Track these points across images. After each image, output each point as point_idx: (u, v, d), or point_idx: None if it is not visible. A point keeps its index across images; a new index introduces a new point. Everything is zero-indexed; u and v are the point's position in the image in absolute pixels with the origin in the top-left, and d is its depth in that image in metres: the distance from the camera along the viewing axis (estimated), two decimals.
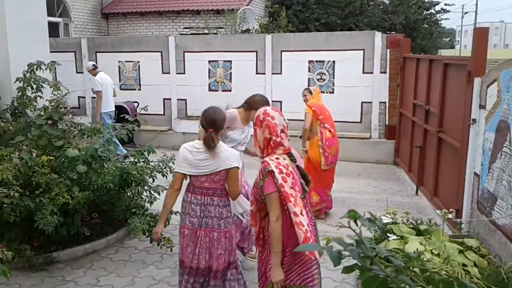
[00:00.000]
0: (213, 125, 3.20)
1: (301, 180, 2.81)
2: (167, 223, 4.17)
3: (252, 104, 4.20)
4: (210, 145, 3.15)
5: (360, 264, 0.98)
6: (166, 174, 4.87)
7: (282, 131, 2.77)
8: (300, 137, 5.78)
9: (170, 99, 9.93)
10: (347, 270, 1.00)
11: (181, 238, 3.33)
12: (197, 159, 3.17)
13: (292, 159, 2.81)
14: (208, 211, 3.23)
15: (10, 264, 3.76)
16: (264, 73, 9.20)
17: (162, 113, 9.95)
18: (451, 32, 57.31)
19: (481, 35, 4.72)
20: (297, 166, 2.82)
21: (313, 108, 5.72)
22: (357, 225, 1.01)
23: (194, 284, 3.30)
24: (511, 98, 3.76)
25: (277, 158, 2.70)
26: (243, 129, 4.28)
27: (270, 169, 2.64)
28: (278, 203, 2.64)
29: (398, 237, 3.91)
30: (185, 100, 9.84)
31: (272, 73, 9.15)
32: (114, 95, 8.63)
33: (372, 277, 0.93)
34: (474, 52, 4.69)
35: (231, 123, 4.16)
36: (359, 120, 8.82)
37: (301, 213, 2.60)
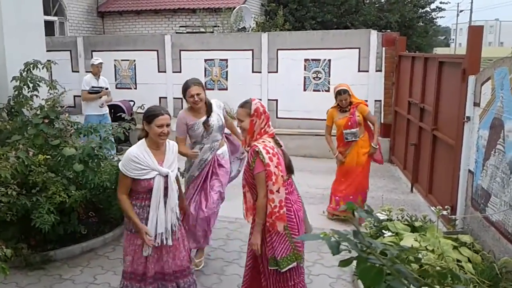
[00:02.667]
0: None
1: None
2: None
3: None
4: None
5: (356, 255, 1.01)
6: None
7: (268, 119, 3.15)
8: (347, 138, 5.45)
9: (166, 97, 9.94)
10: (344, 263, 1.03)
11: (128, 247, 3.25)
12: None
13: (278, 143, 3.12)
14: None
15: (8, 263, 3.78)
16: (260, 72, 9.22)
17: None
18: (447, 30, 57.44)
19: (475, 33, 4.76)
20: (282, 150, 3.12)
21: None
22: (354, 216, 1.04)
23: None
24: (505, 96, 3.80)
25: (263, 141, 3.02)
26: (197, 121, 4.23)
27: (257, 150, 2.96)
28: (265, 182, 2.94)
29: (393, 234, 3.95)
30: (181, 98, 9.81)
31: (268, 72, 9.18)
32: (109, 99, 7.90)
33: (368, 267, 0.96)
34: (469, 50, 4.73)
35: (184, 123, 4.24)
36: None
37: (277, 191, 2.93)
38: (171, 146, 3.37)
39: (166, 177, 3.18)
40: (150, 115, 3.19)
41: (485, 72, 4.28)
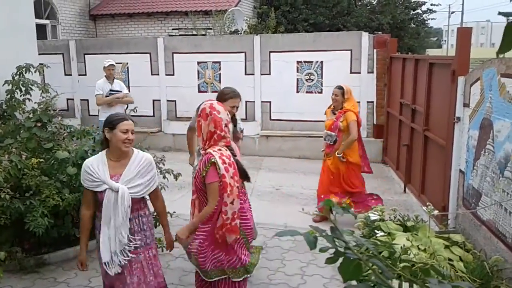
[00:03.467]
0: None
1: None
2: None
3: (221, 96, 4.23)
4: None
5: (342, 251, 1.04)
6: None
7: (226, 125, 2.95)
8: (325, 138, 5.58)
9: (159, 100, 9.95)
10: (330, 260, 1.06)
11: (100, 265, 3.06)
12: None
13: (232, 152, 2.99)
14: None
15: (2, 266, 3.78)
16: (253, 74, 9.25)
17: (151, 114, 9.97)
18: (438, 31, 57.90)
19: (464, 34, 4.82)
20: (236, 160, 2.99)
21: (359, 119, 5.53)
22: (332, 213, 1.08)
23: None
24: (493, 97, 3.85)
25: (220, 150, 2.88)
26: None
27: (213, 160, 2.82)
28: (217, 192, 2.85)
29: (385, 234, 3.99)
30: (175, 101, 9.86)
31: (261, 74, 9.22)
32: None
33: (348, 262, 1.00)
34: (458, 52, 4.79)
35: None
36: None
37: (231, 203, 2.84)
38: (140, 159, 3.05)
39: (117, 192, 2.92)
40: (114, 120, 2.96)
41: (474, 73, 4.34)
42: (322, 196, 5.59)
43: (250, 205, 3.29)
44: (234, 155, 2.99)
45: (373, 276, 1.01)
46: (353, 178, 5.55)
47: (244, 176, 3.04)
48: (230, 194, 2.83)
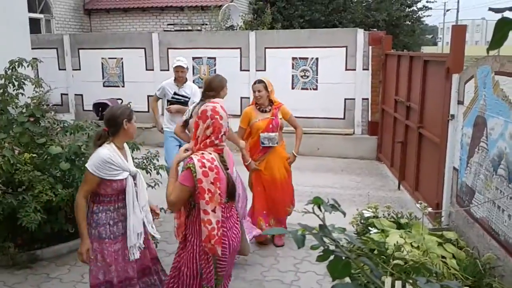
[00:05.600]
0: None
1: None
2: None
3: (222, 82, 4.35)
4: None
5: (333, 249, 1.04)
6: (150, 171, 4.89)
7: (224, 134, 2.75)
8: (263, 143, 4.81)
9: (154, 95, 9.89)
10: (321, 258, 1.06)
11: (107, 257, 3.12)
12: None
13: (224, 164, 2.75)
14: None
15: None
16: (248, 70, 9.23)
17: (146, 110, 9.92)
18: (434, 29, 57.97)
19: (458, 32, 4.83)
20: (227, 174, 2.73)
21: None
22: (320, 211, 1.08)
23: None
24: (487, 94, 3.86)
25: (203, 153, 2.65)
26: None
27: (189, 165, 2.61)
28: (182, 195, 2.64)
29: (379, 231, 3.99)
30: None
31: (256, 70, 9.19)
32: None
33: (336, 260, 1.00)
34: (452, 49, 4.79)
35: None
36: (342, 117, 8.92)
37: (213, 210, 2.58)
38: (127, 147, 3.30)
39: (133, 177, 3.15)
40: (131, 112, 3.14)
41: (468, 70, 4.34)
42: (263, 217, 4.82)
43: (237, 223, 2.88)
44: (226, 168, 2.75)
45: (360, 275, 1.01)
46: (292, 189, 5.03)
47: (229, 193, 2.73)
48: (210, 201, 2.57)
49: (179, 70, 5.84)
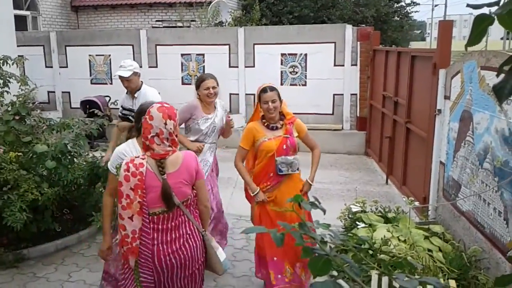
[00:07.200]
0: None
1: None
2: None
3: (196, 82, 4.27)
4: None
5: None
6: None
7: (158, 135, 2.48)
8: (280, 171, 3.69)
9: None
10: (303, 255, 1.06)
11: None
12: None
13: (162, 166, 2.49)
14: None
15: None
16: (237, 67, 9.22)
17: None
18: (422, 24, 58.33)
19: (445, 28, 4.85)
20: (164, 179, 2.48)
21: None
22: (300, 208, 1.08)
23: None
24: (473, 89, 3.89)
25: (137, 157, 2.55)
26: (205, 117, 4.18)
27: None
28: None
29: (366, 225, 4.01)
30: (158, 93, 9.75)
31: (245, 66, 9.18)
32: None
33: (317, 258, 1.00)
34: (439, 45, 4.82)
35: (192, 112, 4.15)
36: (331, 112, 8.94)
37: (130, 218, 2.43)
38: None
39: None
40: None
41: (455, 65, 4.37)
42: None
43: (185, 244, 2.55)
44: (162, 173, 2.48)
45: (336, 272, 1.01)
46: None
47: (164, 198, 2.46)
48: (127, 208, 2.43)
49: (122, 80, 4.68)
